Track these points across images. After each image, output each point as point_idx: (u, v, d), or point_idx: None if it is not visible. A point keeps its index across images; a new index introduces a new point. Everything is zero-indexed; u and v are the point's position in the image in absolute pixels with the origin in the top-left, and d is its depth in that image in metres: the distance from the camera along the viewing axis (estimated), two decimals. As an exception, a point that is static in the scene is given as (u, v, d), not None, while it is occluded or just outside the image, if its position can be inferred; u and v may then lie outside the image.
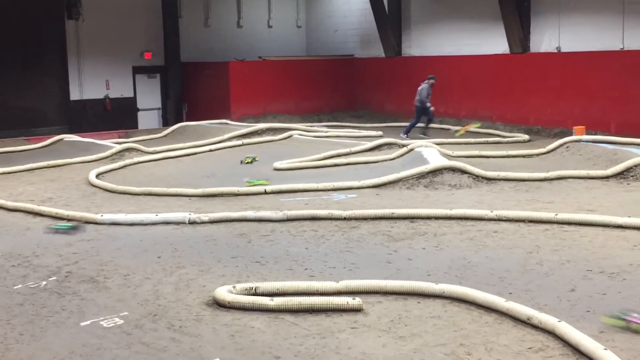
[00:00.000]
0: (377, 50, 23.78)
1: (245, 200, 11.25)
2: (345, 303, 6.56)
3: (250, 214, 9.96)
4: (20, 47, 20.77)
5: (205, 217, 9.88)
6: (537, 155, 15.01)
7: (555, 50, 19.37)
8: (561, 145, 14.84)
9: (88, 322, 6.46)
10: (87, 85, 22.06)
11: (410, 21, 23.18)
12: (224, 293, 6.79)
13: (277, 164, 14.22)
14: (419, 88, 18.99)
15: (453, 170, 12.13)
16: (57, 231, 9.52)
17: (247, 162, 14.71)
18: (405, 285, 6.97)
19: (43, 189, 12.81)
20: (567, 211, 9.81)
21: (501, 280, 7.32)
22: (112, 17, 22.12)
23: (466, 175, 12.09)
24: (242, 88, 22.72)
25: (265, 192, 11.65)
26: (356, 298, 6.64)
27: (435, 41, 22.48)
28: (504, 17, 19.71)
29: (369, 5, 23.20)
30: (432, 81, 18.97)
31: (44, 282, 7.55)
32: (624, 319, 5.87)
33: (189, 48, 23.68)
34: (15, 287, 7.44)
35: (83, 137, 18.25)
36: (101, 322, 6.44)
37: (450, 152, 14.18)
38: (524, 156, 14.97)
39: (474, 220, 9.53)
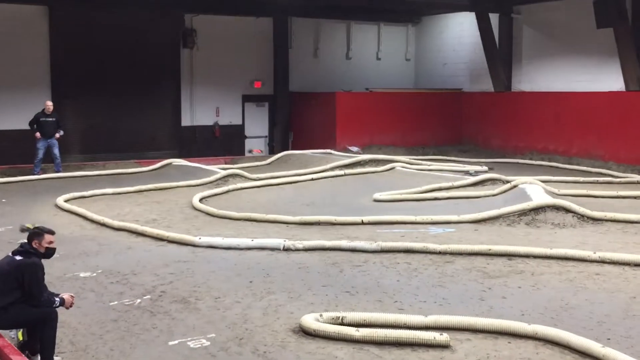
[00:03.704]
0: (486, 85, 23.44)
1: (342, 230, 11.23)
2: (432, 338, 6.41)
3: (344, 243, 9.93)
4: (137, 72, 21.64)
5: (299, 244, 9.91)
6: (650, 196, 14.32)
7: (675, 89, 18.57)
8: (676, 187, 14.13)
9: (176, 342, 6.57)
10: (198, 112, 22.74)
11: (521, 56, 22.76)
12: (310, 321, 6.77)
13: (378, 195, 14.15)
14: None
15: (557, 208, 11.72)
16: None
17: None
18: (496, 323, 6.75)
19: (149, 210, 13.20)
20: (677, 256, 9.28)
21: (600, 325, 6.98)
22: (224, 47, 22.76)
23: (571, 214, 11.65)
24: (348, 119, 22.84)
25: (362, 223, 11.59)
26: (444, 334, 6.47)
27: (547, 76, 21.96)
28: (620, 52, 19.06)
29: (479, 40, 22.93)
30: None
31: (139, 300, 7.75)
32: None
33: (298, 78, 24.05)
34: (112, 304, 7.67)
35: (191, 161, 18.74)
36: (188, 343, 6.55)
37: (556, 190, 13.73)
38: (635, 197, 14.32)
39: (575, 261, 9.16)
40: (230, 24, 22.84)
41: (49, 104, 17.83)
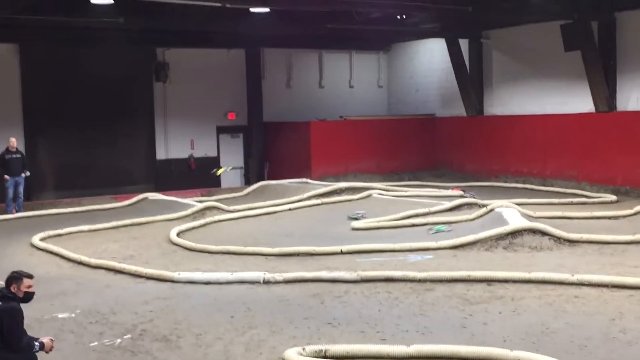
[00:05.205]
0: (459, 110, 23.65)
1: (321, 260, 11.22)
2: (416, 369, 6.42)
3: (324, 274, 9.93)
4: (110, 107, 21.58)
5: (279, 276, 9.89)
6: (625, 216, 14.48)
7: (643, 109, 18.85)
8: (650, 206, 14.31)
9: (158, 382, 6.51)
10: (172, 145, 22.70)
11: (492, 80, 23.02)
12: (293, 355, 6.74)
13: (355, 224, 14.17)
14: None
15: (534, 231, 11.81)
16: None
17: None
18: (479, 351, 6.77)
19: (126, 246, 13.10)
20: (654, 276, 9.38)
21: (581, 349, 7.03)
22: (197, 79, 22.79)
23: (547, 237, 11.75)
24: (323, 147, 22.92)
25: (342, 252, 11.60)
26: (427, 364, 6.48)
27: (518, 100, 22.21)
28: (589, 75, 19.35)
29: (450, 65, 23.18)
30: None
31: (119, 340, 7.67)
32: None
33: (272, 108, 24.12)
34: (92, 345, 7.59)
35: (167, 195, 18.64)
36: (171, 382, 6.49)
37: (531, 213, 13.84)
38: (610, 217, 14.47)
39: (554, 285, 9.23)
40: (203, 57, 22.91)
41: (12, 140, 17.64)
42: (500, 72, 22.78)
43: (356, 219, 14.28)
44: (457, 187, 19.31)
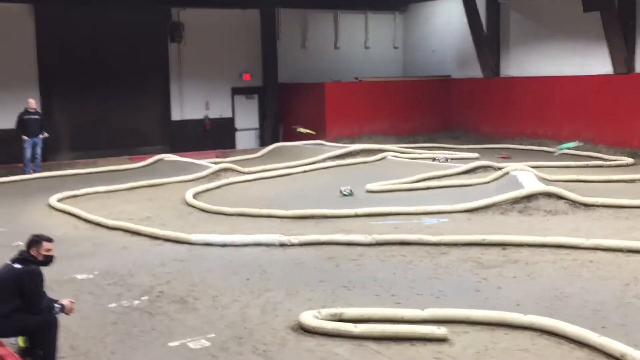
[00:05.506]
0: (475, 71, 23.46)
1: (336, 223, 11.26)
2: (430, 332, 6.48)
3: (339, 237, 9.97)
4: (125, 68, 21.56)
5: (295, 239, 9.95)
6: (641, 180, 14.42)
7: (662, 71, 18.64)
8: (666, 170, 14.22)
9: (176, 343, 6.61)
10: (187, 106, 22.70)
11: (509, 41, 22.78)
12: (309, 318, 6.82)
13: (370, 186, 14.18)
14: None
15: (549, 195, 11.79)
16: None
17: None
18: (492, 315, 6.83)
19: (142, 207, 13.18)
20: (669, 241, 9.37)
21: (595, 314, 7.06)
22: (212, 40, 22.69)
23: (563, 200, 11.72)
24: (337, 109, 22.85)
25: (356, 215, 11.64)
26: (441, 327, 6.54)
27: (535, 61, 22.00)
28: (608, 36, 19.12)
29: (466, 26, 22.95)
30: None
31: (137, 302, 7.78)
32: None
33: (287, 69, 24.01)
34: (110, 306, 7.70)
35: (182, 156, 18.69)
36: (188, 344, 6.58)
37: (547, 176, 13.80)
38: (626, 181, 14.41)
39: (569, 249, 9.24)
40: (218, 17, 22.78)
41: (31, 101, 17.70)
42: (517, 33, 22.52)
43: (345, 195, 13.73)
44: (504, 154, 18.95)
